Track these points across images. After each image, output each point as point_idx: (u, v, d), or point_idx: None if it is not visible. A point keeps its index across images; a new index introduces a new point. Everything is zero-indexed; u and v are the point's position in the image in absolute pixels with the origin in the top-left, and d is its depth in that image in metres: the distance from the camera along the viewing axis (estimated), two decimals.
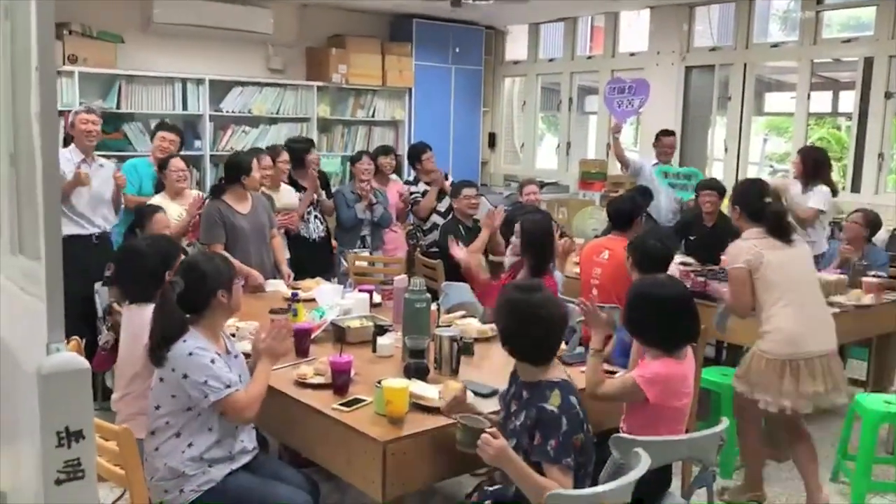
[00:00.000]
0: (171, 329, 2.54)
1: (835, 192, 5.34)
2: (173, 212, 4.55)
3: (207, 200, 4.54)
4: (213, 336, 2.63)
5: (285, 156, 5.26)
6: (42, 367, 1.13)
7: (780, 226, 3.53)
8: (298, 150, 5.48)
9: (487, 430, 2.24)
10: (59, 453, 1.09)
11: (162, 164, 4.80)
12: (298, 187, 5.40)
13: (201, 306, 2.60)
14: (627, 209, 4.39)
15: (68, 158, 4.53)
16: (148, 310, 2.91)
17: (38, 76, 1.15)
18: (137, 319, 2.92)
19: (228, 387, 2.48)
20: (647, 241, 3.54)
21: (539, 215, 4.23)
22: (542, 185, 6.23)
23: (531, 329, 2.35)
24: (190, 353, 2.48)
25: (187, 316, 2.59)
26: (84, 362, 1.14)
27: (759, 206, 3.62)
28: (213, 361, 2.49)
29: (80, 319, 4.28)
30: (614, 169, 7.54)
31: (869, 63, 6.49)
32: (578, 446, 2.25)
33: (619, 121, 6.69)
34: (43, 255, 1.16)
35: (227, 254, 4.27)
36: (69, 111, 6.09)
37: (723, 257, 4.85)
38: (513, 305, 2.40)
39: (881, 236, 6.01)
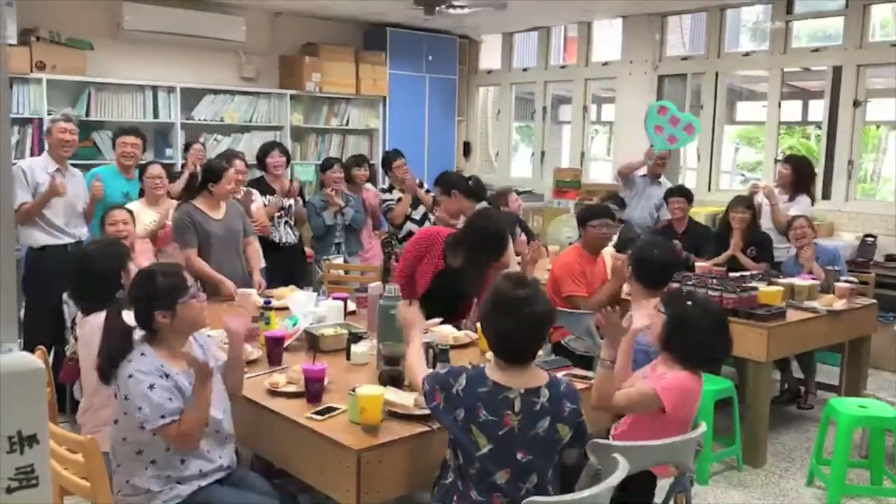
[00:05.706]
0: (113, 347, 2.43)
1: (813, 202, 5.49)
2: (147, 218, 4.52)
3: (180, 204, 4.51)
4: (171, 355, 2.50)
5: (241, 164, 5.26)
6: None
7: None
8: (261, 155, 5.57)
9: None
10: (11, 459, 1.03)
11: (141, 171, 4.80)
12: (271, 192, 5.44)
13: (148, 325, 2.49)
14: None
15: (42, 167, 4.48)
16: (101, 318, 2.83)
17: None
18: (91, 330, 2.84)
19: (163, 416, 2.35)
20: (649, 251, 3.55)
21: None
22: (518, 193, 6.25)
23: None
24: (130, 376, 2.37)
25: (143, 333, 2.50)
26: (37, 362, 1.09)
27: (465, 182, 4.15)
28: (151, 387, 2.36)
29: (52, 330, 4.18)
30: (588, 178, 7.57)
31: (837, 72, 6.58)
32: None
33: (652, 148, 6.30)
34: None
35: (201, 260, 4.21)
36: (37, 118, 6.03)
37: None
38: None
39: (852, 243, 6.11)
